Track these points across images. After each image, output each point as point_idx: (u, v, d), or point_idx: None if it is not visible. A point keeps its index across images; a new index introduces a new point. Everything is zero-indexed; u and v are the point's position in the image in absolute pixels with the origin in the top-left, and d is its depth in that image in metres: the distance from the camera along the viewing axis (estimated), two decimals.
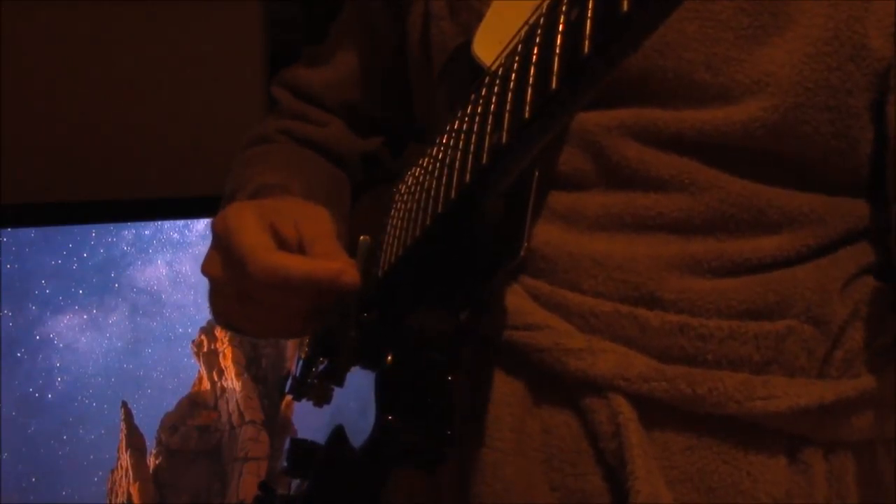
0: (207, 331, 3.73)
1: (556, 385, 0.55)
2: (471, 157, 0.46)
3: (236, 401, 3.43)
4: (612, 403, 0.53)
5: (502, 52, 0.46)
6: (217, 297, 0.60)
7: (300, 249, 0.55)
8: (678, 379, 0.53)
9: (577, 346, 0.54)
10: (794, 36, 0.54)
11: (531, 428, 0.56)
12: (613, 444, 0.53)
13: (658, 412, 0.53)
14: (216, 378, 3.60)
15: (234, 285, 0.55)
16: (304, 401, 0.71)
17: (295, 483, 0.72)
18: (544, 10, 0.41)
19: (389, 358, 0.51)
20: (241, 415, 3.39)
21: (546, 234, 0.57)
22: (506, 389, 0.56)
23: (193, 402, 3.50)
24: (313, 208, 0.60)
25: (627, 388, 0.53)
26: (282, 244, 0.54)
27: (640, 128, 0.56)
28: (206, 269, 0.58)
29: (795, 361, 0.54)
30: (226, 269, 0.55)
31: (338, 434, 0.60)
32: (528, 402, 0.56)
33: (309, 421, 0.71)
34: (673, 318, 0.54)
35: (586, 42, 0.35)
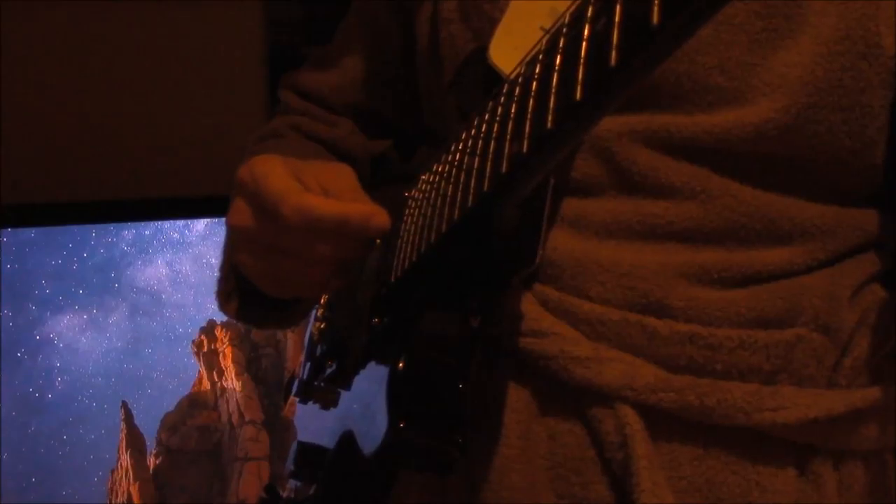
0: (207, 331, 3.74)
1: (562, 392, 0.55)
2: (489, 165, 0.46)
3: (236, 401, 3.43)
4: (618, 414, 0.52)
5: (522, 59, 0.46)
6: (241, 251, 0.58)
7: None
8: (686, 390, 0.52)
9: (583, 354, 0.53)
10: (806, 38, 0.53)
11: (537, 435, 0.55)
12: (620, 454, 0.52)
13: (665, 422, 0.53)
14: (216, 378, 3.60)
15: (262, 234, 0.55)
16: (310, 404, 0.70)
17: (294, 484, 0.72)
18: (568, 19, 0.40)
19: (401, 364, 0.50)
20: (241, 415, 3.40)
21: (554, 240, 0.56)
22: (513, 396, 0.56)
23: (193, 402, 3.51)
24: (336, 165, 0.59)
25: (634, 399, 0.52)
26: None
27: (652, 133, 0.55)
28: (232, 220, 0.57)
29: (804, 370, 0.54)
30: (255, 216, 0.55)
31: (347, 439, 0.60)
32: (534, 409, 0.56)
33: (310, 422, 0.71)
34: (682, 327, 0.53)
35: (614, 52, 0.34)
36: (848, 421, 0.54)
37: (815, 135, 0.53)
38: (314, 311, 0.77)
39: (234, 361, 3.70)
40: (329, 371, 0.67)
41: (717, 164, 0.55)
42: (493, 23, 0.57)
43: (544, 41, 0.43)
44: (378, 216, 0.52)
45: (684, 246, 0.55)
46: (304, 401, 0.72)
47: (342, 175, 0.57)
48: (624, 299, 0.54)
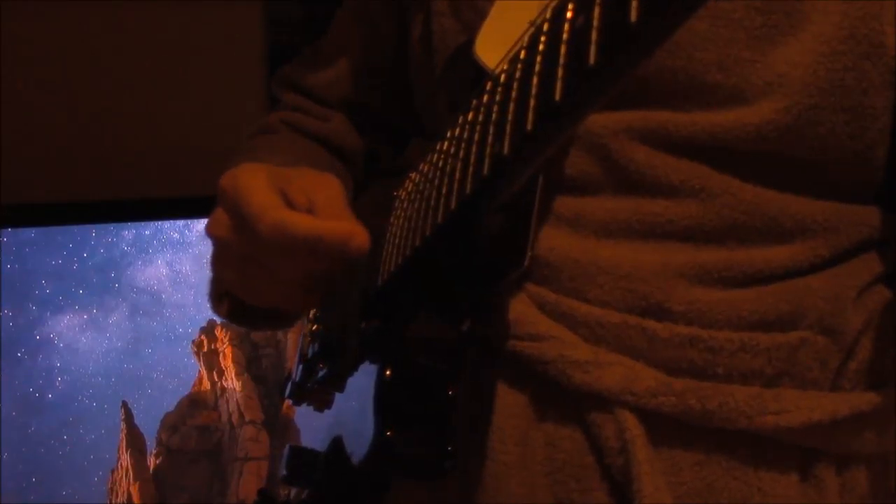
0: (207, 331, 3.73)
1: (560, 397, 0.54)
2: (471, 167, 0.45)
3: (236, 401, 3.42)
4: (618, 419, 0.52)
5: (506, 55, 0.45)
6: (219, 261, 0.57)
7: (310, 214, 0.52)
8: (687, 393, 0.51)
9: (582, 358, 0.52)
10: (808, 35, 0.52)
11: (535, 441, 0.54)
12: (620, 460, 0.51)
13: (666, 426, 0.52)
14: (216, 378, 3.59)
15: (239, 246, 0.53)
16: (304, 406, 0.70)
17: (294, 489, 0.72)
18: (548, 15, 0.39)
19: (388, 372, 0.49)
20: (241, 415, 3.38)
21: (551, 240, 0.55)
22: (509, 401, 0.55)
23: (193, 402, 3.49)
24: (324, 176, 0.58)
25: (635, 403, 0.51)
26: (291, 207, 0.52)
27: (649, 131, 0.54)
28: (210, 230, 0.56)
29: (808, 374, 0.53)
30: (233, 228, 0.53)
31: (336, 445, 0.59)
32: (532, 415, 0.55)
33: (311, 421, 0.70)
34: (682, 329, 0.52)
35: (592, 53, 0.33)
36: (851, 424, 0.53)
37: (816, 136, 0.53)
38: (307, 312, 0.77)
39: (234, 361, 3.69)
40: (321, 373, 0.66)
41: (717, 162, 0.54)
42: (483, 16, 0.56)
43: (526, 37, 0.42)
44: (357, 237, 0.49)
45: (684, 245, 0.54)
46: (297, 403, 0.72)
47: (330, 188, 0.55)
48: (623, 302, 0.53)
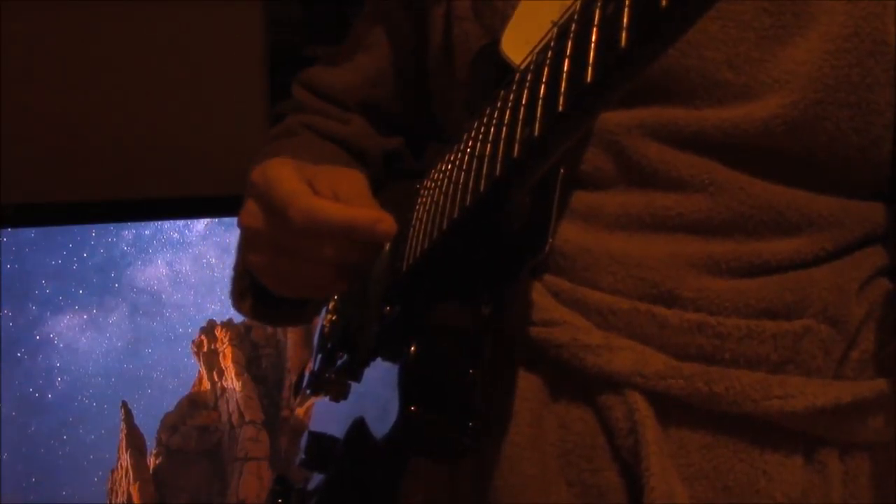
0: (207, 331, 3.72)
1: (573, 381, 0.55)
2: (501, 149, 0.46)
3: (236, 401, 3.42)
4: (628, 400, 0.53)
5: (532, 50, 0.46)
6: (251, 251, 0.60)
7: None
8: (695, 377, 0.53)
9: (594, 342, 0.54)
10: (815, 35, 0.54)
11: (548, 423, 0.56)
12: (629, 440, 0.53)
13: (675, 410, 0.54)
14: (216, 378, 3.59)
15: (270, 235, 0.56)
16: (322, 397, 0.71)
17: (315, 479, 0.73)
18: (578, 7, 0.41)
19: (413, 348, 0.51)
20: (241, 415, 3.38)
21: (566, 233, 0.57)
22: (524, 384, 0.56)
23: (193, 402, 3.49)
24: (348, 171, 0.61)
25: (644, 386, 0.53)
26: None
27: (661, 127, 0.56)
28: (244, 220, 0.59)
29: (812, 361, 0.54)
30: (264, 218, 0.56)
31: (358, 426, 0.60)
32: (545, 397, 0.56)
33: (327, 427, 0.71)
34: (691, 316, 0.54)
35: (624, 34, 0.34)
36: (855, 412, 0.54)
37: (822, 131, 0.54)
38: (326, 305, 0.78)
39: (234, 361, 3.69)
40: (340, 362, 0.68)
41: (726, 157, 0.55)
42: (505, 19, 0.58)
43: (554, 31, 0.44)
44: (384, 222, 0.53)
45: (694, 237, 0.55)
46: (315, 392, 0.73)
47: (353, 181, 0.58)
48: (634, 289, 0.55)
